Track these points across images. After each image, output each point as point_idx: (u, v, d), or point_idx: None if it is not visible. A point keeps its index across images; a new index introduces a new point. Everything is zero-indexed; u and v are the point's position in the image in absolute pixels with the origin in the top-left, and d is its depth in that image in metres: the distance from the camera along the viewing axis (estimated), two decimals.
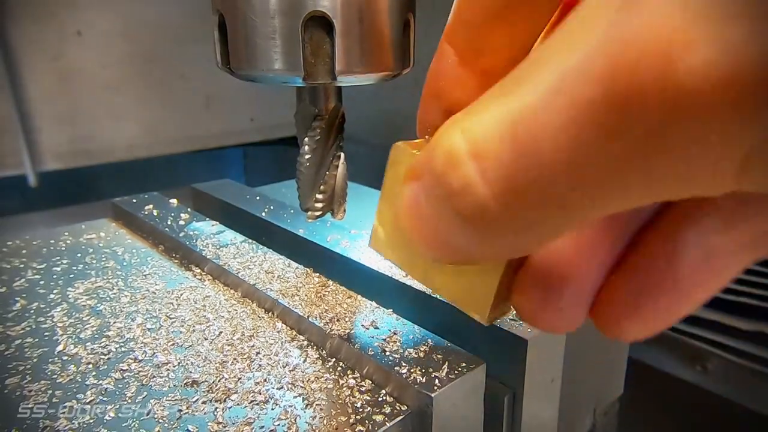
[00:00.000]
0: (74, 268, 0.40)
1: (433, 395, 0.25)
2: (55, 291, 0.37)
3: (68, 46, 1.29)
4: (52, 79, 1.29)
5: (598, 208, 0.15)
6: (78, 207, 1.37)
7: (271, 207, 0.52)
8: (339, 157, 0.36)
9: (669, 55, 0.12)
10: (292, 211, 0.50)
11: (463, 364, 0.27)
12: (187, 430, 0.25)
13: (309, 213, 0.37)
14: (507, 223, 0.17)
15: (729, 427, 0.69)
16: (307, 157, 0.35)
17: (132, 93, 1.38)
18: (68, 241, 0.45)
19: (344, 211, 0.38)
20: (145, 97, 1.40)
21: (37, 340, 0.32)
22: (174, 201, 0.50)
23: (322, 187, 0.36)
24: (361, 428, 0.25)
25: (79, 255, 0.42)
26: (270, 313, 0.35)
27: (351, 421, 0.26)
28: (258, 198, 0.55)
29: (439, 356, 0.28)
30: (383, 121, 1.41)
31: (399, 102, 1.43)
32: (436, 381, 0.26)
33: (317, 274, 0.37)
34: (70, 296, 0.36)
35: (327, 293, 0.35)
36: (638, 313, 0.21)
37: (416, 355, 0.28)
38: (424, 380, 0.26)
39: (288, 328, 0.33)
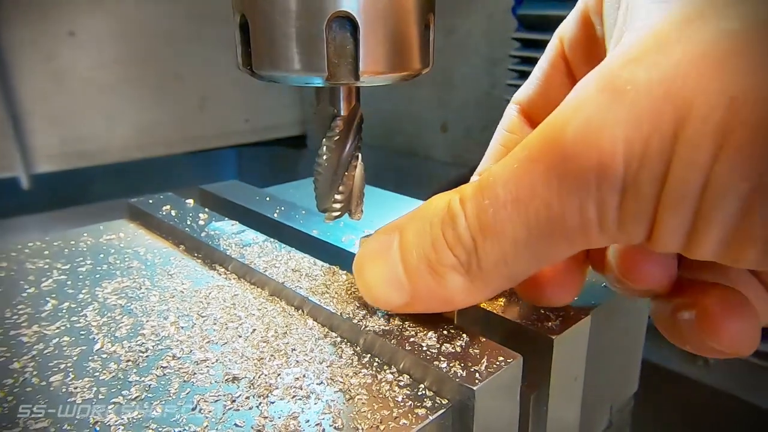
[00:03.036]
0: (99, 268, 0.41)
1: (475, 388, 0.26)
2: (83, 291, 0.37)
3: (61, 46, 1.28)
4: (45, 80, 1.28)
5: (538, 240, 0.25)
6: (76, 209, 1.36)
7: (282, 208, 0.52)
8: (357, 157, 0.37)
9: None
10: (303, 212, 0.51)
11: (501, 359, 0.28)
12: (235, 424, 0.26)
13: (327, 214, 0.37)
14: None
15: (730, 420, 0.71)
16: (325, 157, 0.36)
17: (126, 94, 1.37)
18: (88, 242, 0.45)
19: (362, 211, 0.39)
20: (139, 98, 1.39)
21: (74, 338, 0.32)
22: (190, 201, 0.50)
23: (340, 188, 0.37)
24: (405, 421, 0.26)
25: (101, 255, 0.43)
26: (300, 311, 0.35)
27: (394, 414, 0.26)
28: (268, 199, 0.55)
29: (476, 351, 0.29)
30: (381, 121, 1.41)
31: (395, 102, 1.43)
32: (477, 375, 0.27)
33: (344, 271, 0.38)
34: (99, 296, 0.37)
35: (356, 290, 0.35)
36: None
37: (453, 350, 0.29)
38: (464, 374, 0.27)
39: (319, 325, 0.34)
